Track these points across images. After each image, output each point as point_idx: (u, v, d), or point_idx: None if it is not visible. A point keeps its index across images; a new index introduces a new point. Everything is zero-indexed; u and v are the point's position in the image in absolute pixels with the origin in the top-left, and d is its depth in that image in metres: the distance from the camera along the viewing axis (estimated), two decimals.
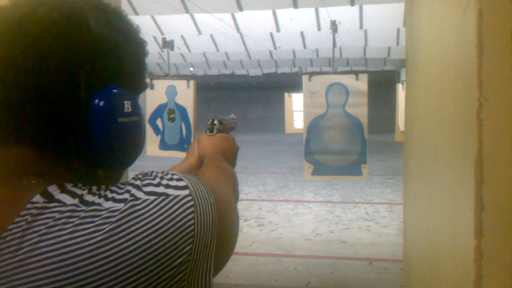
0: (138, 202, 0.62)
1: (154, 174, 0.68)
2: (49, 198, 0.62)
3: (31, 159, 0.66)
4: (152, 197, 0.63)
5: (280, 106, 12.92)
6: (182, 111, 5.03)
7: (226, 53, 11.58)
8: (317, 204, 7.86)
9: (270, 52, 11.33)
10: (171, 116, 5.05)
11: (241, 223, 6.59)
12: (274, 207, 7.61)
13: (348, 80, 4.88)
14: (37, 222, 0.59)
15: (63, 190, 0.63)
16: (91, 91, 0.66)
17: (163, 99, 5.08)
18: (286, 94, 11.08)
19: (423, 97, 1.40)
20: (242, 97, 25.14)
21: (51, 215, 0.60)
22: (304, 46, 9.84)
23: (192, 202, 0.65)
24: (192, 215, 0.64)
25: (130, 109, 0.69)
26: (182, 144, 4.98)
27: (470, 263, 0.86)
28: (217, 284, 4.31)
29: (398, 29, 8.79)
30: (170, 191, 0.65)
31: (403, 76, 16.53)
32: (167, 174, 0.68)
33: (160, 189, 0.64)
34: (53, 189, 0.63)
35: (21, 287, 0.57)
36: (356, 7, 6.69)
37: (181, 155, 4.68)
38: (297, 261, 5.05)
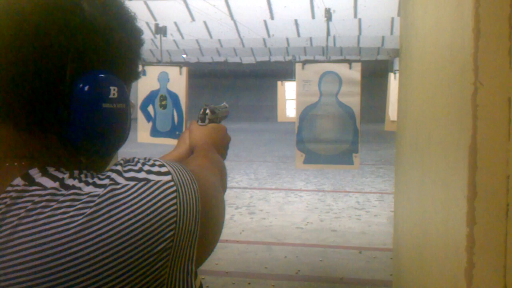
0: (118, 187, 0.61)
1: (136, 160, 0.67)
2: (30, 181, 0.61)
3: (14, 141, 0.65)
4: (133, 182, 0.62)
5: (273, 95, 12.89)
6: (174, 98, 5.00)
7: (219, 41, 11.50)
8: (308, 192, 7.88)
9: (264, 40, 11.26)
10: (163, 102, 5.02)
11: (232, 211, 6.59)
12: (265, 195, 7.62)
13: (341, 69, 4.86)
14: (17, 205, 0.59)
15: (44, 173, 0.62)
16: (77, 74, 0.64)
17: (155, 86, 5.04)
18: (279, 83, 11.06)
19: (417, 85, 1.38)
20: (235, 85, 25.06)
21: (31, 198, 0.59)
22: (298, 35, 9.79)
23: (174, 188, 0.64)
24: (174, 201, 0.63)
25: (116, 95, 0.67)
26: (174, 131, 4.95)
27: (462, 250, 0.85)
28: (207, 271, 4.32)
29: (392, 19, 8.76)
30: (151, 176, 0.64)
31: (396, 66, 16.52)
32: (149, 160, 0.67)
33: (141, 175, 0.64)
34: (34, 172, 0.62)
35: (3, 270, 0.56)
36: None
37: (173, 142, 4.66)
38: (288, 249, 5.07)
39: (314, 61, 6.02)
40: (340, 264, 4.67)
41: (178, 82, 5.00)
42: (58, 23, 0.63)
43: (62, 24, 0.63)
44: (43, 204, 0.59)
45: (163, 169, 0.65)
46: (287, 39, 11.27)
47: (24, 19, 0.62)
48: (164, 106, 5.02)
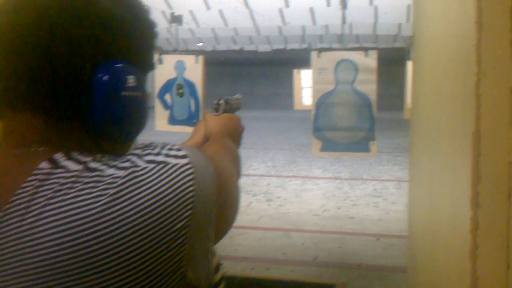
0: (138, 169, 0.65)
1: (154, 144, 0.71)
2: (55, 164, 0.65)
3: (39, 127, 0.68)
4: (152, 165, 0.66)
5: (289, 83, 12.86)
6: (191, 86, 5.04)
7: (235, 29, 11.48)
8: (325, 180, 7.91)
9: (280, 28, 11.22)
10: (180, 91, 5.06)
11: (250, 198, 6.65)
12: (282, 183, 7.67)
13: (357, 57, 4.85)
14: (44, 187, 0.63)
15: (69, 157, 0.66)
16: (96, 64, 0.68)
17: (172, 74, 5.08)
18: (295, 71, 11.04)
19: (428, 74, 1.41)
20: (251, 73, 25.04)
21: (57, 180, 0.63)
22: (314, 22, 9.74)
23: (191, 170, 0.68)
24: (192, 182, 0.67)
25: (133, 84, 0.71)
26: (191, 119, 5.00)
27: (467, 233, 0.89)
28: (226, 257, 4.39)
29: (409, 6, 8.66)
30: (170, 159, 0.68)
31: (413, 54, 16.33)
32: (166, 144, 0.71)
33: (160, 158, 0.68)
34: (59, 157, 0.66)
35: (30, 249, 0.60)
36: None
37: (190, 130, 4.67)
38: (305, 236, 5.12)
39: (330, 49, 6.01)
40: (358, 250, 4.70)
41: (194, 71, 5.03)
42: (76, 16, 0.67)
43: (79, 16, 0.67)
44: (68, 185, 0.62)
45: (180, 153, 0.70)
46: (303, 27, 11.21)
47: (45, 13, 0.66)
48: (181, 95, 5.06)
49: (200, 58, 4.99)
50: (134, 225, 0.62)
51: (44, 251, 0.60)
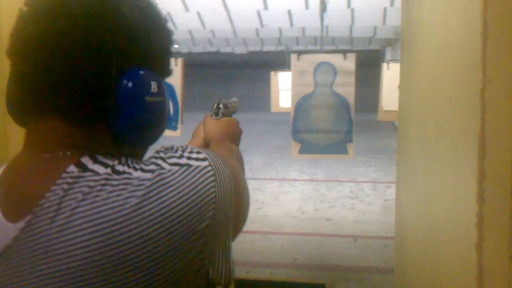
0: (165, 171, 0.68)
1: (175, 148, 0.74)
2: (83, 168, 0.67)
3: (66, 132, 0.71)
4: (176, 167, 0.69)
5: (265, 85, 12.89)
6: (170, 89, 5.01)
7: (212, 31, 11.48)
8: (302, 182, 7.96)
9: (257, 30, 11.26)
10: None
11: None
12: (260, 186, 7.68)
13: (336, 60, 4.91)
14: (74, 189, 0.65)
15: (95, 161, 0.68)
16: (122, 71, 0.71)
17: None
18: (272, 73, 11.06)
19: (423, 77, 1.46)
20: (227, 75, 25.03)
21: (86, 183, 0.65)
22: (291, 24, 9.81)
23: (212, 172, 0.71)
24: (213, 183, 0.70)
25: (156, 90, 0.74)
26: (170, 122, 4.97)
27: (472, 227, 0.95)
28: None
29: (385, 9, 8.79)
30: (192, 162, 0.71)
31: (388, 56, 16.56)
32: (186, 147, 0.74)
33: (183, 161, 0.70)
34: (86, 160, 0.68)
35: (61, 250, 0.62)
36: None
37: (170, 133, 4.69)
38: (284, 238, 5.14)
39: (309, 52, 6.06)
40: (336, 252, 4.75)
41: (173, 73, 4.99)
42: (104, 26, 0.70)
43: (107, 26, 0.70)
44: (98, 188, 0.65)
45: (201, 156, 0.73)
46: (280, 29, 11.27)
47: (75, 23, 0.69)
48: None
49: (179, 60, 4.97)
50: (163, 225, 0.64)
51: (75, 252, 0.62)
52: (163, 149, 0.73)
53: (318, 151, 5.02)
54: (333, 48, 14.33)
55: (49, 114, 0.70)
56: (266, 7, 7.71)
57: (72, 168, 0.67)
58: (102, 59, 0.69)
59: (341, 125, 4.95)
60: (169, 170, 0.68)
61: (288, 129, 5.04)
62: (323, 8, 5.34)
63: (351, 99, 4.91)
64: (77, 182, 0.65)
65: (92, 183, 0.65)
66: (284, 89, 9.88)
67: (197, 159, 0.72)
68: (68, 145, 0.70)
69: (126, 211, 0.63)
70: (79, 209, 0.63)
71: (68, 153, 0.70)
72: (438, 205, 1.23)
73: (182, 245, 0.65)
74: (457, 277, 1.06)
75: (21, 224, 0.65)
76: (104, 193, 0.64)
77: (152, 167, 0.68)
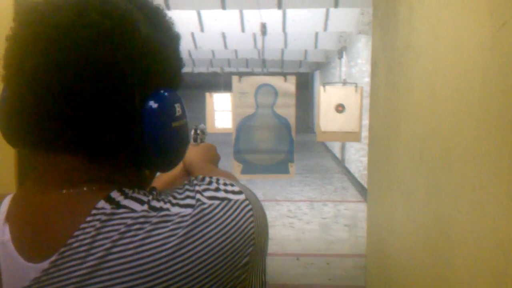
0: (205, 206, 0.63)
1: (207, 179, 0.69)
2: (115, 204, 0.62)
3: (88, 166, 0.65)
4: (217, 202, 0.64)
5: (199, 106, 12.85)
6: None
7: None
8: None
9: (189, 51, 11.26)
10: None
11: None
12: None
13: (277, 82, 5.02)
14: (107, 228, 0.60)
15: (126, 196, 0.64)
16: (144, 96, 0.65)
17: None
18: (207, 94, 11.08)
19: (420, 101, 1.50)
20: None
21: (122, 221, 0.60)
22: (225, 47, 9.91)
23: (250, 206, 0.67)
24: (252, 218, 0.66)
25: (180, 112, 0.69)
26: None
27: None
28: None
29: (317, 33, 9.10)
30: (230, 196, 0.66)
31: (317, 79, 17.03)
32: (218, 179, 0.69)
33: (221, 194, 0.66)
34: (116, 195, 0.63)
35: None
36: (281, 10, 6.87)
37: None
38: None
39: (251, 74, 6.16)
40: (280, 271, 4.78)
41: None
42: (123, 50, 0.62)
43: (126, 51, 0.63)
44: (137, 226, 0.60)
45: (236, 189, 0.68)
46: (213, 51, 11.34)
47: (91, 50, 0.61)
48: None
49: None
50: (206, 264, 0.60)
51: None
52: (195, 181, 0.68)
53: (260, 171, 5.09)
54: (264, 71, 14.56)
55: (70, 149, 0.64)
56: (202, 29, 7.74)
57: (102, 203, 0.62)
58: (123, 87, 0.63)
59: (283, 145, 5.05)
60: (210, 205, 0.63)
61: (227, 150, 5.05)
62: (264, 31, 5.46)
63: (292, 120, 5.03)
64: (111, 220, 0.60)
65: (129, 221, 0.60)
66: (219, 110, 9.93)
67: (233, 192, 0.67)
68: (93, 179, 0.65)
69: (168, 251, 0.59)
70: (115, 249, 0.58)
71: (94, 188, 0.64)
72: (452, 224, 1.22)
73: (225, 284, 0.62)
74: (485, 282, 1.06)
75: (45, 265, 0.60)
76: (143, 232, 0.59)
77: (189, 201, 0.64)
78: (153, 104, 0.65)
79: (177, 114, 0.68)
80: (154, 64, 0.66)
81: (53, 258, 0.60)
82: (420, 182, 1.48)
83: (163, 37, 0.69)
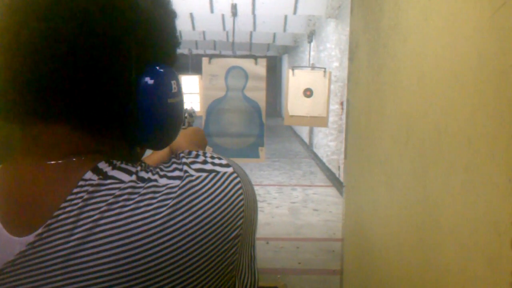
0: (193, 178, 0.62)
1: (194, 153, 0.68)
2: (103, 174, 0.61)
3: (81, 137, 0.64)
4: (204, 174, 0.64)
5: None
6: None
7: None
8: None
9: None
10: None
11: None
12: None
13: (247, 65, 4.95)
14: (95, 199, 0.58)
15: (114, 167, 0.62)
16: (141, 70, 0.64)
17: None
18: None
19: (408, 83, 1.46)
20: None
21: (110, 192, 0.59)
22: (193, 28, 9.75)
23: (238, 179, 0.66)
24: (241, 191, 0.65)
25: (176, 90, 0.69)
26: None
27: (507, 225, 0.92)
28: None
29: (286, 16, 9.05)
30: (217, 168, 0.65)
31: (285, 63, 17.02)
32: (205, 153, 0.68)
33: (208, 166, 0.65)
34: (103, 166, 0.62)
35: (81, 265, 0.56)
36: None
37: None
38: None
39: (219, 56, 6.06)
40: None
41: None
42: (121, 22, 0.62)
43: (124, 22, 0.63)
44: (125, 197, 0.59)
45: (223, 162, 0.67)
46: (180, 32, 11.19)
47: (89, 20, 0.60)
48: None
49: None
50: (196, 236, 0.59)
51: (98, 268, 0.56)
52: (183, 154, 0.67)
53: (230, 155, 5.02)
54: (230, 52, 14.47)
55: (57, 119, 0.62)
56: None
57: (90, 174, 0.60)
58: (119, 59, 0.62)
59: (253, 129, 5.00)
60: (198, 177, 0.63)
61: None
62: (234, 12, 5.37)
63: (262, 104, 4.98)
64: (98, 191, 0.59)
65: (117, 192, 0.59)
66: (188, 92, 9.80)
67: (221, 165, 0.66)
68: (83, 150, 0.63)
69: (157, 222, 0.58)
70: (102, 221, 0.57)
71: (83, 158, 0.62)
72: (440, 207, 1.21)
73: (214, 256, 0.61)
74: (484, 275, 1.02)
75: (30, 238, 0.58)
76: (131, 202, 0.58)
77: (177, 173, 0.63)
78: (149, 79, 0.65)
79: (173, 91, 0.68)
80: (150, 37, 0.66)
81: (39, 231, 0.58)
82: (406, 164, 1.46)
83: (160, 12, 0.69)
